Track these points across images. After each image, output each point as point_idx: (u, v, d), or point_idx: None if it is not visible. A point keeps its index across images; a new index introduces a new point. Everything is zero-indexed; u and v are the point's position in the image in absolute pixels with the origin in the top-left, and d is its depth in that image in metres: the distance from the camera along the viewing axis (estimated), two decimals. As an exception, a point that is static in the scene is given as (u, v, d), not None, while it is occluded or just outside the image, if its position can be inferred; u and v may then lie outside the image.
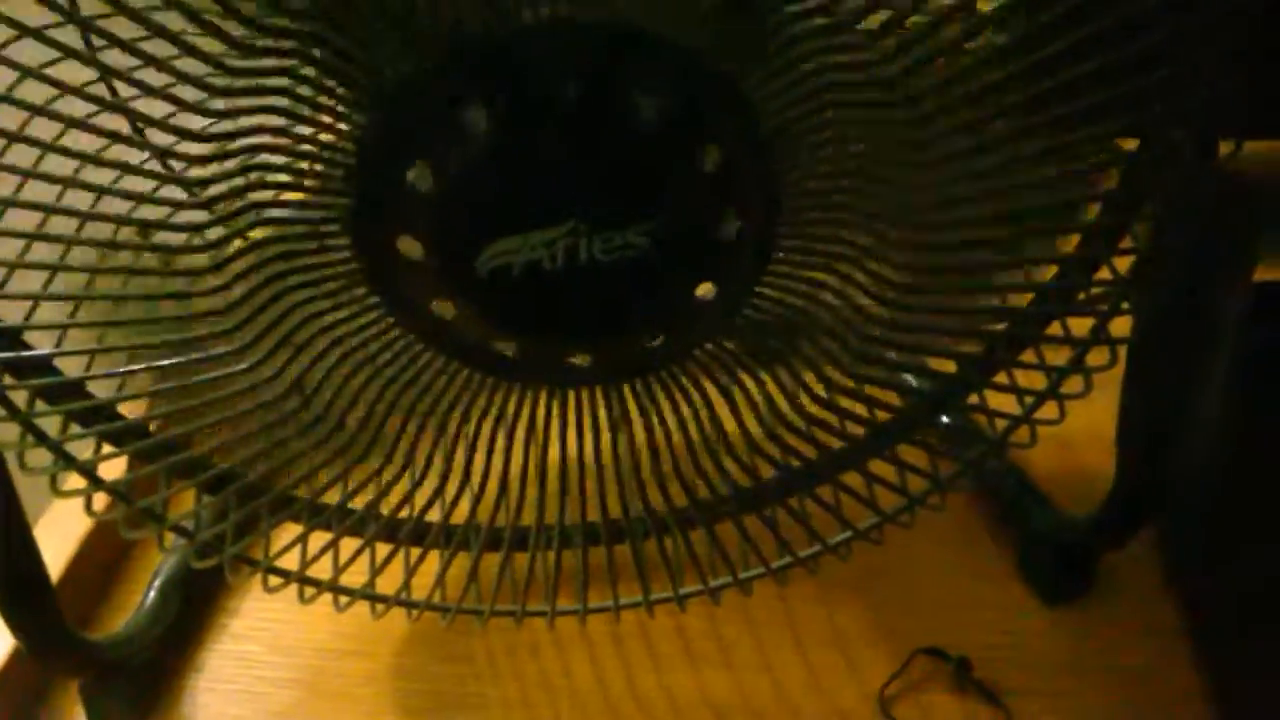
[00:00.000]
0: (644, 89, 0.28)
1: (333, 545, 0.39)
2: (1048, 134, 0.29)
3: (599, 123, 0.28)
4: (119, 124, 0.27)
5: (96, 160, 0.27)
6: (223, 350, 0.31)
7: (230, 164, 0.28)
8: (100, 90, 0.27)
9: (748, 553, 0.40)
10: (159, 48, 0.26)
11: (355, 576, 0.40)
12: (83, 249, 0.30)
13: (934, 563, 0.46)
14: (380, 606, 0.40)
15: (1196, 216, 0.33)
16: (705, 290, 0.32)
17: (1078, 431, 0.38)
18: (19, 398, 0.32)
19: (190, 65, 0.26)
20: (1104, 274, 0.34)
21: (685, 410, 0.35)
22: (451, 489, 0.36)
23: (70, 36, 0.26)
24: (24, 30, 0.25)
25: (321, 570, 0.40)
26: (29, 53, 0.26)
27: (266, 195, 0.29)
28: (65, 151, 0.27)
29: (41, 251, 0.30)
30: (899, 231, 0.31)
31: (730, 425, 0.36)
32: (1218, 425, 0.39)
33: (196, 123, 0.27)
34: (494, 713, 0.43)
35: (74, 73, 0.29)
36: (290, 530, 0.38)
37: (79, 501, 0.35)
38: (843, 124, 0.29)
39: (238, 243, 0.29)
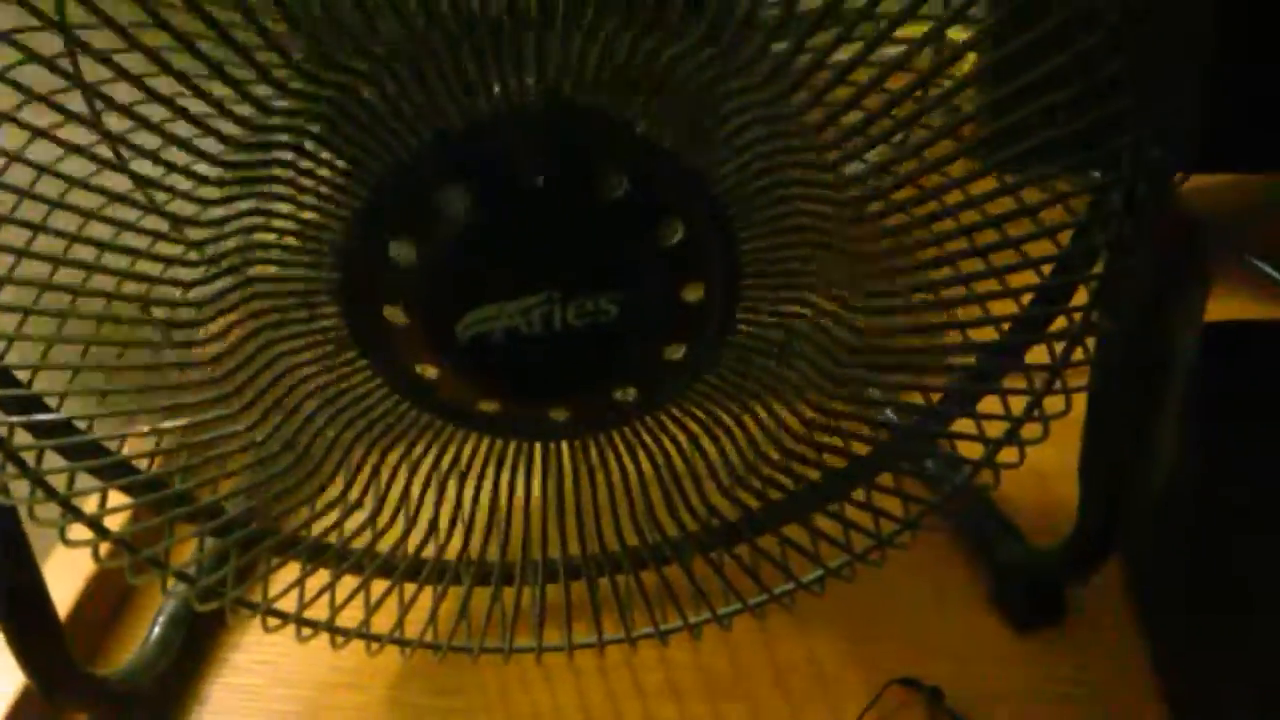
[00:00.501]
0: (607, 170, 0.30)
1: (330, 587, 0.41)
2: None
3: (567, 201, 0.30)
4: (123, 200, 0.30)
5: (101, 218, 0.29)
6: (220, 413, 0.33)
7: (227, 243, 0.30)
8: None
9: (727, 589, 0.42)
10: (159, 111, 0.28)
11: (352, 612, 0.42)
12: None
13: (908, 593, 0.48)
14: (375, 645, 0.42)
15: (1148, 250, 0.34)
16: (674, 350, 0.34)
17: (1051, 463, 0.39)
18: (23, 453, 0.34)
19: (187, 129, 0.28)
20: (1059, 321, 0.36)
21: (659, 458, 0.37)
22: (441, 530, 0.38)
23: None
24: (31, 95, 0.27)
25: (319, 608, 0.41)
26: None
27: (259, 269, 0.31)
28: (73, 209, 0.29)
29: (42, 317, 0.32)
30: (854, 297, 0.33)
31: (701, 470, 0.38)
32: (1176, 459, 0.41)
33: (193, 207, 0.29)
34: (486, 743, 0.45)
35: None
36: (288, 570, 0.40)
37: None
38: (795, 199, 0.31)
39: (232, 314, 0.31)
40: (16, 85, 0.27)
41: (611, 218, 0.30)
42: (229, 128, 0.27)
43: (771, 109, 0.29)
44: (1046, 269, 0.35)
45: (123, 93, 0.27)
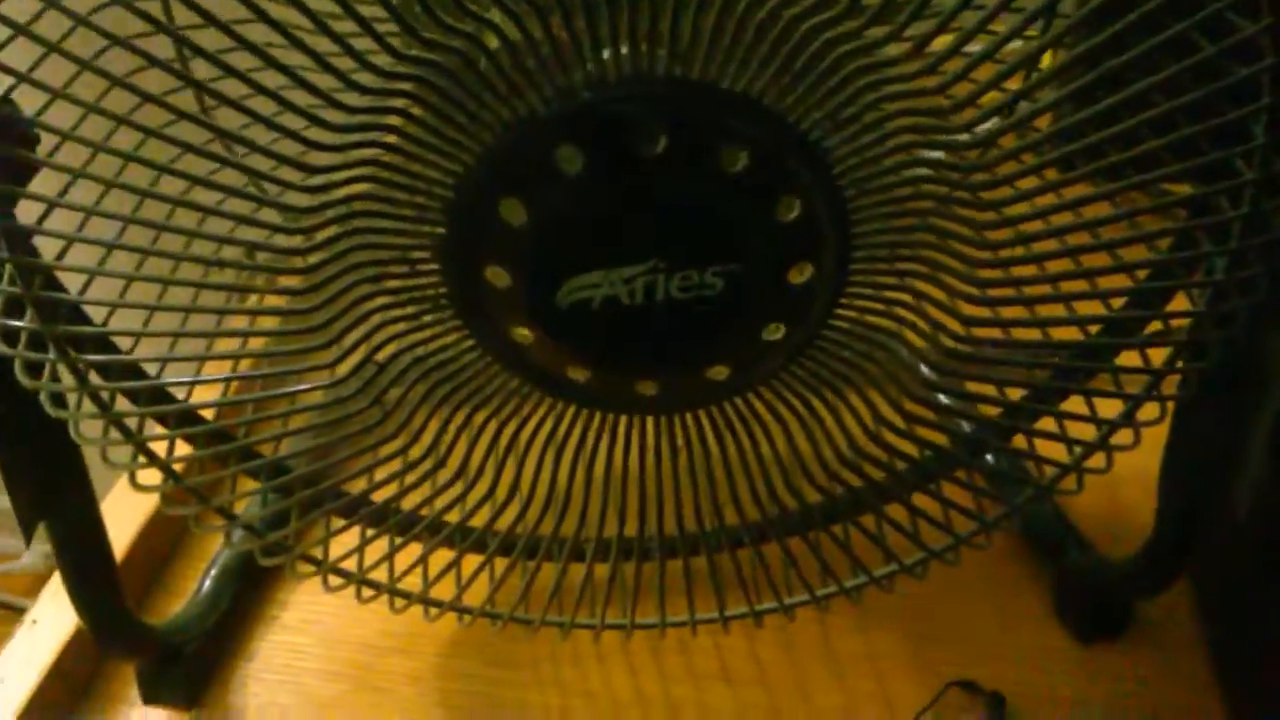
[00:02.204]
0: (729, 142, 0.29)
1: (392, 551, 0.40)
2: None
3: (684, 171, 0.29)
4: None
5: (205, 182, 0.29)
6: (311, 365, 0.32)
7: (335, 193, 0.29)
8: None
9: (790, 577, 0.41)
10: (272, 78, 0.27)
11: (410, 576, 0.41)
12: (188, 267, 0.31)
13: (971, 596, 0.47)
14: (434, 610, 0.41)
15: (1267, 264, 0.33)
16: (774, 330, 0.33)
17: (1121, 467, 0.38)
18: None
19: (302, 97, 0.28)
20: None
21: (744, 440, 0.36)
22: (516, 503, 0.37)
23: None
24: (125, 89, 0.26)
25: (378, 570, 0.41)
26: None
27: (364, 222, 0.30)
28: (177, 173, 0.29)
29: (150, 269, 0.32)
30: (963, 284, 0.32)
31: (784, 452, 0.37)
32: (1263, 477, 0.40)
33: (305, 150, 0.28)
34: (534, 716, 0.44)
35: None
36: (349, 531, 0.40)
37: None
38: (916, 185, 0.30)
39: (333, 265, 0.31)
40: (133, 89, 0.27)
41: (727, 191, 0.30)
42: (348, 97, 0.27)
43: (901, 88, 0.28)
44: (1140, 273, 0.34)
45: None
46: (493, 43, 0.28)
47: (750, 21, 0.27)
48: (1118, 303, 0.36)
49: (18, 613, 0.49)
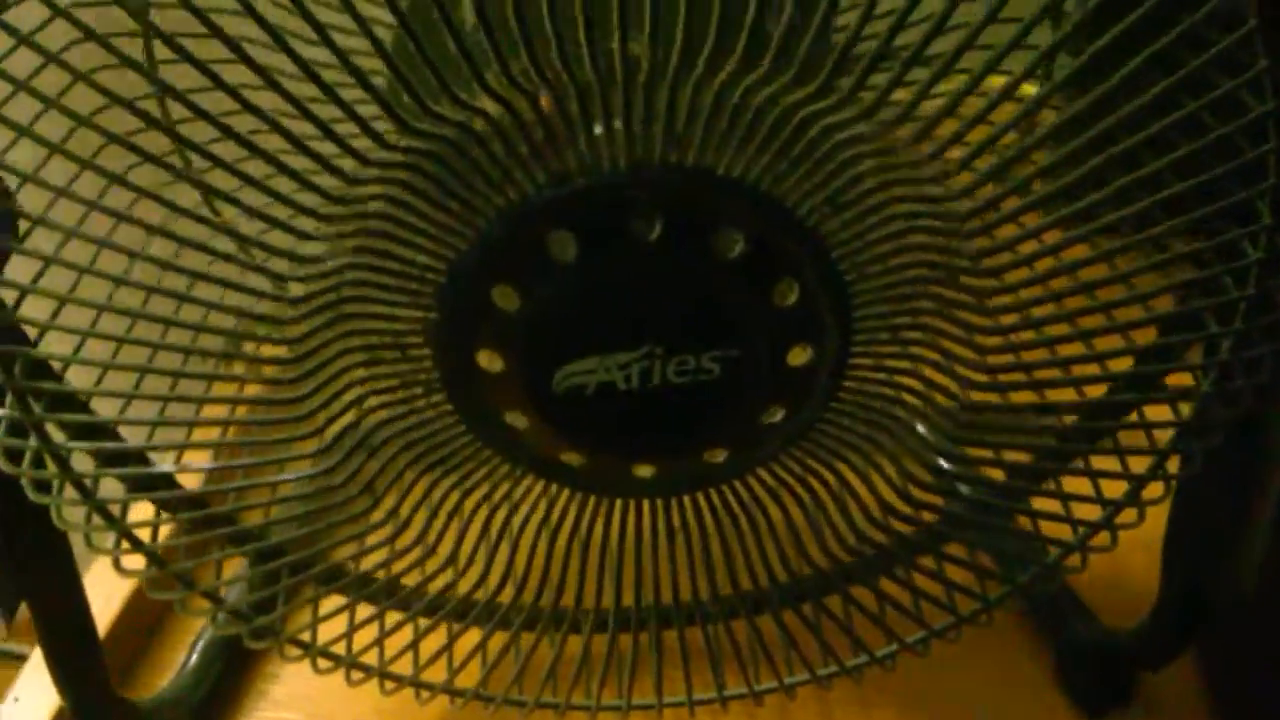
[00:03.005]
0: (725, 227, 0.29)
1: (382, 630, 0.39)
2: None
3: (680, 256, 0.29)
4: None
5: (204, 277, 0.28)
6: (301, 453, 0.31)
7: (324, 280, 0.29)
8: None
9: (791, 656, 0.40)
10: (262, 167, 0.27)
11: (404, 655, 0.40)
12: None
13: (973, 665, 0.46)
14: (425, 693, 0.40)
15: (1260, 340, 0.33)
16: (773, 413, 0.32)
17: (1122, 534, 0.38)
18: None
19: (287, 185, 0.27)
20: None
21: (743, 522, 0.35)
22: (510, 586, 0.36)
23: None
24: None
25: (369, 653, 0.40)
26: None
27: (355, 307, 0.30)
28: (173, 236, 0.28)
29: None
30: (969, 354, 0.32)
31: (783, 534, 0.36)
32: (1269, 557, 0.39)
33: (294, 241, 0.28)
34: (530, 798, 0.43)
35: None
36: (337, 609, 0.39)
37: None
38: (918, 265, 0.30)
39: (323, 350, 0.30)
40: (133, 148, 0.26)
41: (724, 276, 0.29)
42: (329, 182, 0.26)
43: (898, 173, 0.28)
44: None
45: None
46: (485, 129, 0.27)
47: (745, 109, 0.27)
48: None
49: (17, 660, 0.48)
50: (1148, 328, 0.33)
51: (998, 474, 0.37)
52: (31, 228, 0.30)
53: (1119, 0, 0.26)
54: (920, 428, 0.33)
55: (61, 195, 0.27)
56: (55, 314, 0.31)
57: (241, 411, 0.32)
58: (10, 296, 0.30)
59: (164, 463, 0.33)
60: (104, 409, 0.33)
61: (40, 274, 0.30)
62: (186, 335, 0.30)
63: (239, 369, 0.30)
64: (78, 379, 0.32)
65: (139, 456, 0.34)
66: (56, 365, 0.32)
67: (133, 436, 0.35)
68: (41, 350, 0.30)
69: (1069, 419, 0.36)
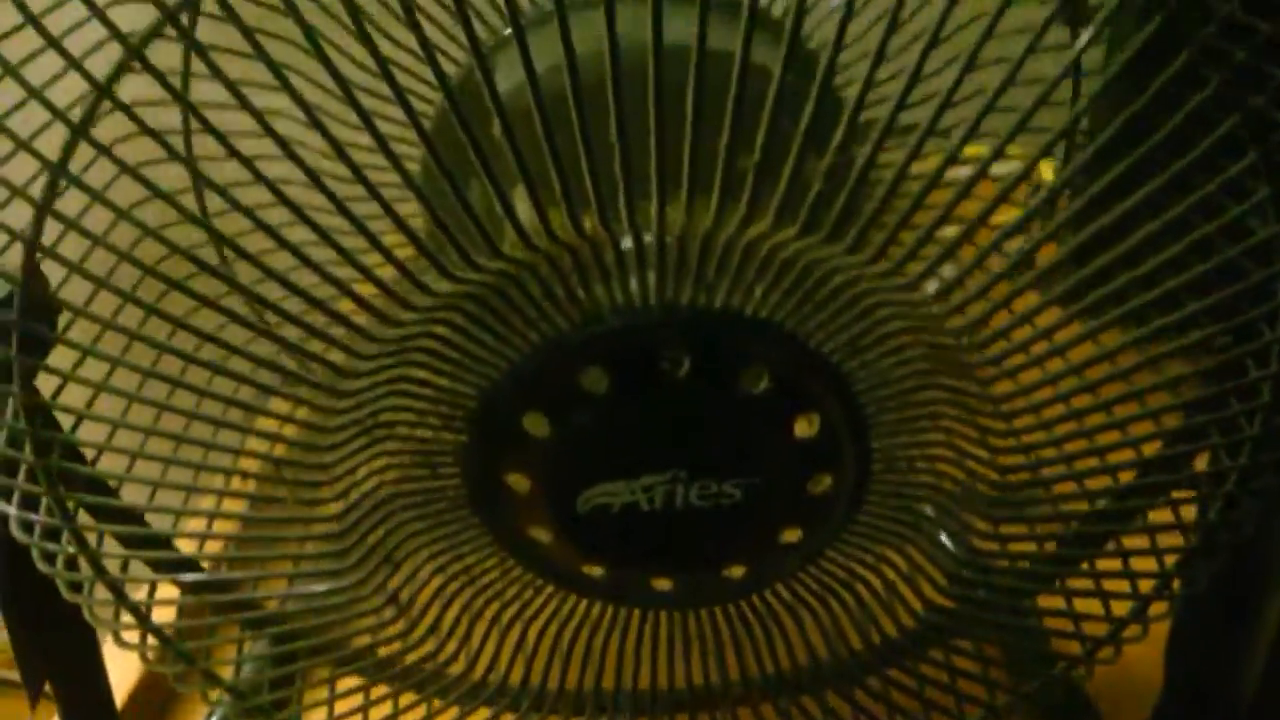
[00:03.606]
0: (751, 365, 0.29)
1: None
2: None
3: (707, 391, 0.30)
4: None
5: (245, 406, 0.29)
6: (332, 567, 0.32)
7: (363, 410, 0.29)
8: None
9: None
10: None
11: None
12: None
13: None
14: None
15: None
16: (791, 534, 0.33)
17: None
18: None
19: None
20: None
21: (758, 632, 0.36)
22: (533, 684, 0.37)
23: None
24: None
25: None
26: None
27: (388, 430, 0.31)
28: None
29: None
30: (984, 486, 0.33)
31: (799, 647, 0.37)
32: (1269, 670, 0.40)
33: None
34: None
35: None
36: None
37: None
38: (936, 401, 0.31)
39: (357, 470, 0.31)
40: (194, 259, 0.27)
41: (748, 410, 0.30)
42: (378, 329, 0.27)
43: (917, 315, 0.29)
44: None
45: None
46: (522, 273, 0.28)
47: (773, 260, 0.28)
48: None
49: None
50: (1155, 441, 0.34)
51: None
52: (73, 319, 0.30)
53: (1124, 133, 0.27)
54: (936, 549, 0.34)
55: (126, 297, 0.28)
56: (92, 402, 0.31)
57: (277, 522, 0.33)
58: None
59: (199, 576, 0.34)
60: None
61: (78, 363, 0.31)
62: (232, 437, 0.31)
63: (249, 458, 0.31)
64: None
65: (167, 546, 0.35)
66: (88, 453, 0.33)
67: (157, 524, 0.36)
68: (80, 443, 0.31)
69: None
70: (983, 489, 0.33)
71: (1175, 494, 0.35)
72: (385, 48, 0.27)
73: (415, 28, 0.24)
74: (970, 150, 0.26)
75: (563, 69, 0.24)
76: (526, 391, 0.30)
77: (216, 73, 0.23)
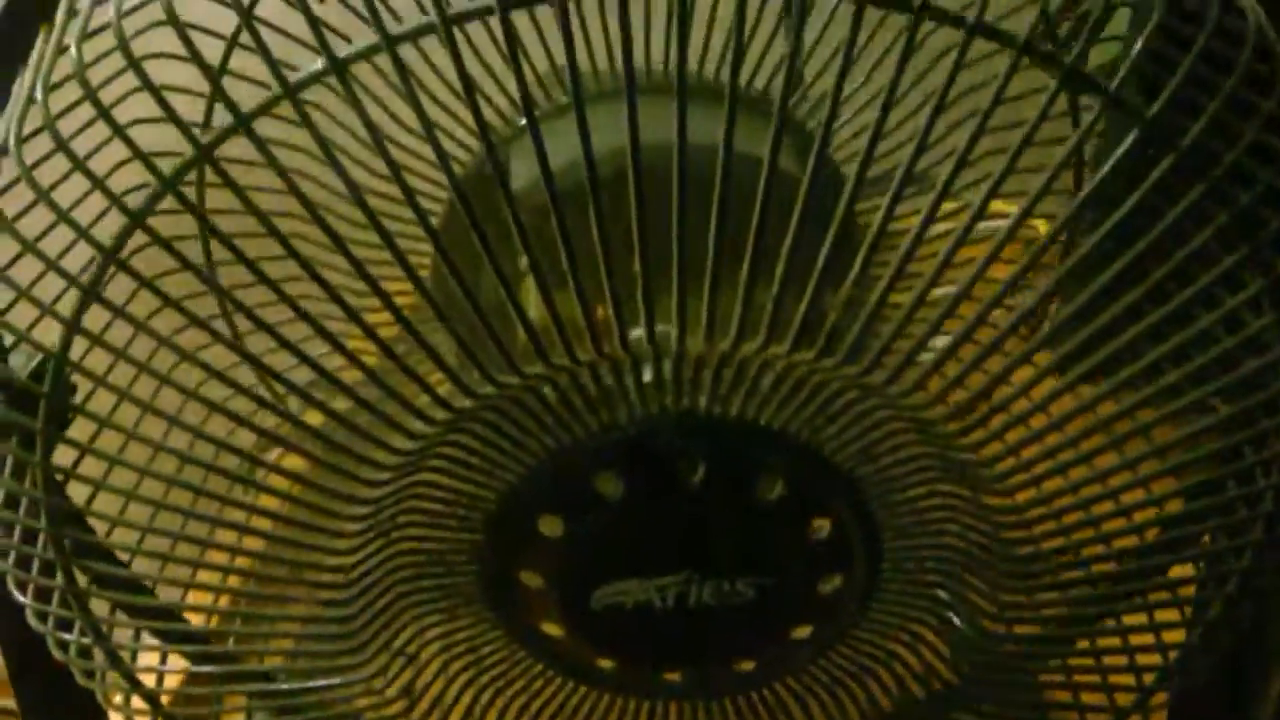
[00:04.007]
0: (765, 472, 0.30)
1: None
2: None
3: (721, 498, 0.30)
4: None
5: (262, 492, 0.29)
6: (345, 662, 0.32)
7: (382, 514, 0.30)
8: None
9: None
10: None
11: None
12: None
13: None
14: None
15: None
16: (802, 630, 0.33)
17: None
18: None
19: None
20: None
21: (766, 721, 0.37)
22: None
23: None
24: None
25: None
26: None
27: (404, 531, 0.31)
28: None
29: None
30: (991, 588, 0.33)
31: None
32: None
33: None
34: None
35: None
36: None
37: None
38: (947, 507, 0.31)
39: (371, 571, 0.31)
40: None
41: (762, 515, 0.30)
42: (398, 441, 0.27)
43: (931, 426, 0.29)
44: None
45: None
46: (541, 386, 0.28)
47: (788, 377, 0.28)
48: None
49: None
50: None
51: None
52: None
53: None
54: (945, 643, 0.35)
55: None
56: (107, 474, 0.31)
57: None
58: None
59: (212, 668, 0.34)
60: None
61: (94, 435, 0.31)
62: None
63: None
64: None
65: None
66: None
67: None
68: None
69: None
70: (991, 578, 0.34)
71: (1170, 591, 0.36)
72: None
73: (432, 139, 0.24)
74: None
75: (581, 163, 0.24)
76: (542, 495, 0.30)
77: (247, 203, 0.24)
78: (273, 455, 0.28)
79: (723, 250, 0.25)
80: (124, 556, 0.33)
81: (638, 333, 0.27)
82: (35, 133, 0.25)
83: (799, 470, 0.30)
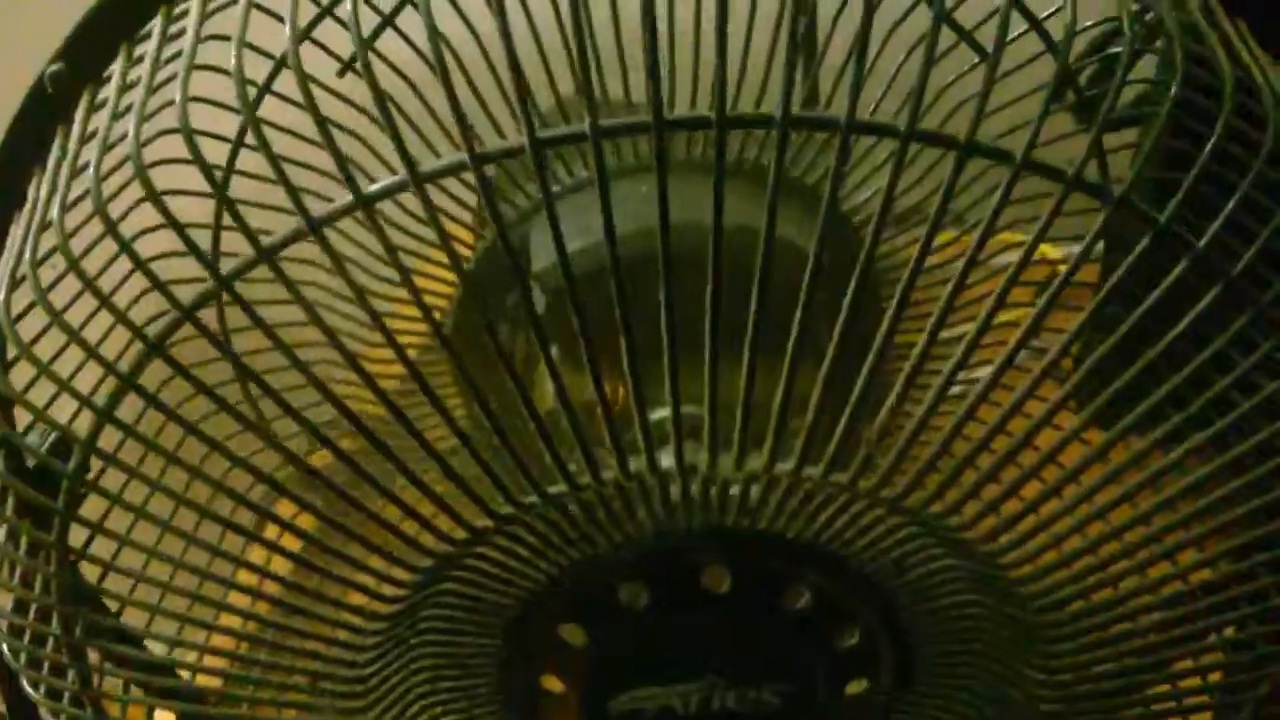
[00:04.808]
0: (792, 584, 0.29)
1: None
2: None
3: (748, 608, 0.30)
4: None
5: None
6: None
7: (399, 627, 0.29)
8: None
9: None
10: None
11: None
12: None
13: None
14: None
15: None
16: (827, 734, 0.33)
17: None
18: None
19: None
20: None
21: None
22: None
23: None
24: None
25: None
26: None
27: (424, 638, 0.30)
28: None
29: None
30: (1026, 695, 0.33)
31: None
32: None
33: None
34: None
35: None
36: None
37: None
38: (978, 616, 0.31)
39: (391, 677, 0.30)
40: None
41: (788, 624, 0.30)
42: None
43: (967, 545, 0.29)
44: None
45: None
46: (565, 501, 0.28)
47: (818, 493, 0.28)
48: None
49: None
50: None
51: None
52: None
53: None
54: None
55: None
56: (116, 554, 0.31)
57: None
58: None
59: None
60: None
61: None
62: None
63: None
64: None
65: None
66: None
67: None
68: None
69: None
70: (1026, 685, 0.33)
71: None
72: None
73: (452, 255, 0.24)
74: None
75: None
76: (564, 603, 0.30)
77: (270, 335, 0.23)
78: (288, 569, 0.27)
79: (754, 378, 0.24)
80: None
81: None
82: (49, 253, 0.24)
83: (827, 582, 0.29)
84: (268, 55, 0.32)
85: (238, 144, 0.32)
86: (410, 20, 0.38)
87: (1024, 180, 0.22)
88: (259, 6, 0.23)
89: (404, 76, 0.40)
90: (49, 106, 0.28)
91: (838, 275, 0.25)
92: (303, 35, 0.28)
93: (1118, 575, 0.28)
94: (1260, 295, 0.24)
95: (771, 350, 0.25)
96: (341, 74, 0.38)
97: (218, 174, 0.23)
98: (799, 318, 0.23)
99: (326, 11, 0.35)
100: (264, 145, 0.21)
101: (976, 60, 0.38)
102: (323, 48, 0.36)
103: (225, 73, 0.24)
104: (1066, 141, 0.32)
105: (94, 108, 0.26)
